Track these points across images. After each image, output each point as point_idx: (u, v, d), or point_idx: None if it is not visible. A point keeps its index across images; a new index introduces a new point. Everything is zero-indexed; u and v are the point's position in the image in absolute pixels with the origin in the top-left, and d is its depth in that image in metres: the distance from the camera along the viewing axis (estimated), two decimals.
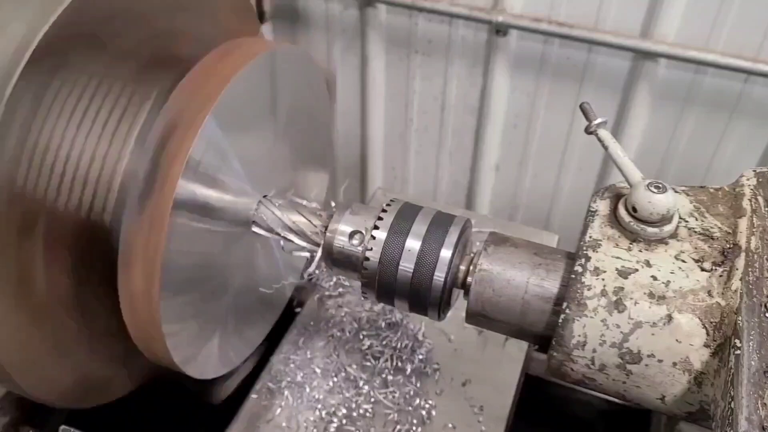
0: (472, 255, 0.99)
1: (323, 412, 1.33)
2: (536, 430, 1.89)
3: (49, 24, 0.91)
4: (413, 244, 0.98)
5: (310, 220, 1.11)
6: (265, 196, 1.17)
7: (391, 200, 1.04)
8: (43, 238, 1.02)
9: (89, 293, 1.12)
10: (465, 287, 0.97)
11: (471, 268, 0.97)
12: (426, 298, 0.99)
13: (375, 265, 0.99)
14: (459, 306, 0.99)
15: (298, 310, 1.52)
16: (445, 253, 0.97)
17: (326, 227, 1.07)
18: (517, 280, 0.91)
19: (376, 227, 1.00)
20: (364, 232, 1.03)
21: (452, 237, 0.98)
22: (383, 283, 1.00)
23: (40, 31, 0.90)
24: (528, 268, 0.91)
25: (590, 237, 0.85)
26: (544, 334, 0.91)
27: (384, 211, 1.02)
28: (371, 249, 1.00)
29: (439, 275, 0.97)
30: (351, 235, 1.04)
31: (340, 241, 1.04)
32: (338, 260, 1.06)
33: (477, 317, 0.95)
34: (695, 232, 0.85)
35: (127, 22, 1.05)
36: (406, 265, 0.98)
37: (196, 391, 1.38)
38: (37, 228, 1.01)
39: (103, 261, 1.08)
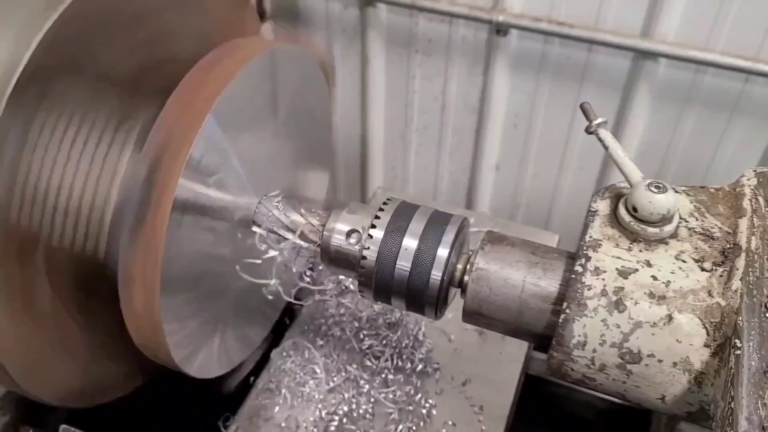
0: (469, 254, 0.99)
1: (323, 412, 1.33)
2: (536, 430, 1.89)
3: (31, 49, 0.86)
4: (410, 242, 0.98)
5: (308, 220, 1.11)
6: (265, 196, 1.17)
7: (388, 199, 1.04)
8: (44, 264, 1.03)
9: (91, 297, 1.13)
10: (462, 286, 0.97)
11: (468, 266, 0.97)
12: (423, 296, 0.99)
13: (372, 263, 0.99)
14: (459, 306, 0.99)
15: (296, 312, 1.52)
16: (442, 252, 0.97)
17: (324, 226, 1.07)
18: (514, 278, 0.91)
19: (373, 226, 1.00)
20: (361, 231, 1.03)
21: (449, 236, 0.98)
22: (380, 282, 1.00)
23: (24, 57, 0.86)
24: (525, 267, 0.91)
25: (590, 237, 0.85)
26: (541, 333, 0.91)
27: (381, 210, 1.02)
28: (368, 248, 1.00)
29: (436, 274, 0.97)
30: (348, 234, 1.04)
31: (338, 240, 1.04)
32: (335, 259, 1.06)
33: (474, 316, 0.95)
34: (695, 232, 0.85)
35: (116, 31, 1.02)
36: (403, 264, 0.98)
37: (205, 382, 1.37)
38: (36, 257, 1.01)
39: (103, 283, 1.09)
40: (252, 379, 1.40)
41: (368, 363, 1.41)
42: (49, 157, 0.97)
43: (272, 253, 1.16)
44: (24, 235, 0.98)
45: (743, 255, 0.80)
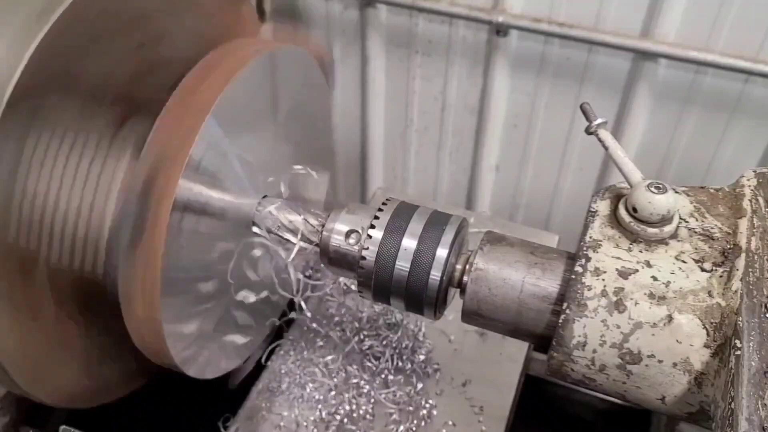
0: (468, 254, 0.99)
1: (324, 412, 1.33)
2: (536, 430, 1.89)
3: (23, 64, 0.84)
4: (409, 243, 0.98)
5: (307, 220, 1.11)
6: (264, 197, 1.17)
7: (387, 199, 1.04)
8: (46, 278, 1.03)
9: (92, 302, 1.13)
10: (461, 286, 0.97)
11: (467, 267, 0.97)
12: (422, 297, 0.99)
13: (371, 264, 0.99)
14: (459, 306, 0.99)
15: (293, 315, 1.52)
16: (441, 252, 0.97)
17: (323, 226, 1.07)
18: (513, 279, 0.91)
19: (372, 226, 1.00)
20: (360, 231, 1.03)
21: (448, 236, 0.98)
22: (379, 282, 1.00)
23: (15, 72, 0.84)
24: (524, 267, 0.91)
25: (590, 237, 0.85)
26: (541, 334, 0.91)
27: (380, 210, 1.02)
28: (367, 248, 1.00)
29: (435, 274, 0.97)
30: (347, 235, 1.04)
31: (337, 240, 1.04)
32: (335, 259, 1.06)
33: (473, 316, 0.95)
34: (695, 232, 0.85)
35: (108, 39, 0.99)
36: (403, 264, 0.98)
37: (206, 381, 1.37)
38: (37, 272, 1.02)
39: (104, 292, 1.09)
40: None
41: (368, 364, 1.41)
42: (44, 176, 0.96)
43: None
44: (23, 253, 0.98)
45: (743, 255, 0.80)
